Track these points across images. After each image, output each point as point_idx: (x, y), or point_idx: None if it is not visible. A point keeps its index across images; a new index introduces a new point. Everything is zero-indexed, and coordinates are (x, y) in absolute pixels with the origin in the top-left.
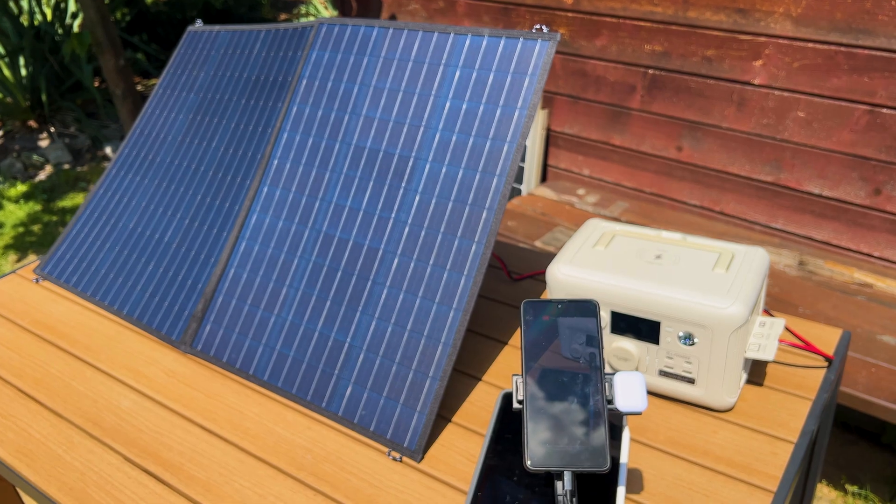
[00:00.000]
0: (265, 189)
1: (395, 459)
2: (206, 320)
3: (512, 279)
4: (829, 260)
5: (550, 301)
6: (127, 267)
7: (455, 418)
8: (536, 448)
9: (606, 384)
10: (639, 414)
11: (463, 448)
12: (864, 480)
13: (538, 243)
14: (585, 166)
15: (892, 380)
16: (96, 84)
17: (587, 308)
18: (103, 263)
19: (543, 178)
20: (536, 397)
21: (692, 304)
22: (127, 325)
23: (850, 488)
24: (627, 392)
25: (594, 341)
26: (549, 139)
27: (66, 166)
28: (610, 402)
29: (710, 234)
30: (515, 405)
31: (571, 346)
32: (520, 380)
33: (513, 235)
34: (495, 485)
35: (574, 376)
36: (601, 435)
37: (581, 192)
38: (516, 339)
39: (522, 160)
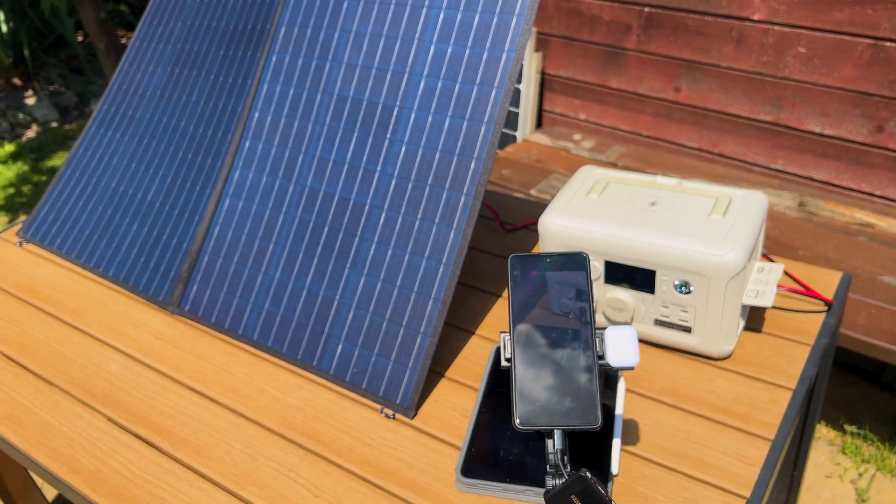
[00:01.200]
0: (247, 143)
1: (387, 416)
2: (192, 280)
3: (505, 230)
4: (830, 200)
5: (539, 255)
6: (111, 227)
7: (448, 373)
8: (525, 407)
9: (597, 339)
10: (631, 369)
11: (456, 403)
12: (863, 420)
13: (533, 191)
14: (581, 110)
15: (892, 321)
16: (80, 38)
17: (577, 261)
18: (87, 224)
19: (539, 124)
20: (525, 355)
21: (688, 251)
22: (113, 287)
23: (849, 428)
24: (619, 347)
25: (584, 295)
26: (544, 83)
27: (54, 124)
28: (601, 357)
29: (708, 177)
30: (504, 363)
31: (561, 301)
32: (507, 337)
33: (507, 184)
34: (489, 440)
35: (564, 332)
36: (592, 391)
37: (577, 137)
38: None
39: (516, 105)
